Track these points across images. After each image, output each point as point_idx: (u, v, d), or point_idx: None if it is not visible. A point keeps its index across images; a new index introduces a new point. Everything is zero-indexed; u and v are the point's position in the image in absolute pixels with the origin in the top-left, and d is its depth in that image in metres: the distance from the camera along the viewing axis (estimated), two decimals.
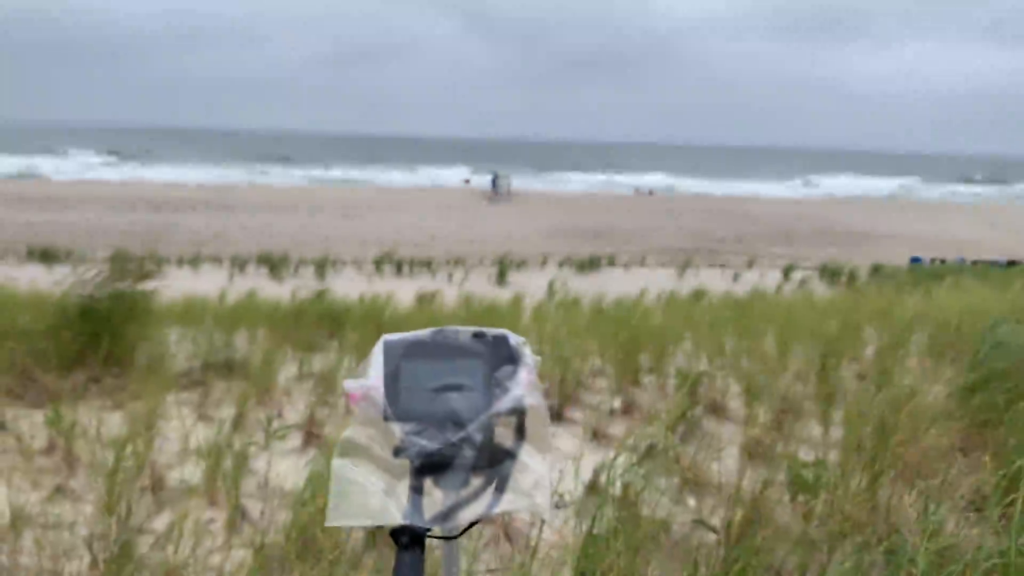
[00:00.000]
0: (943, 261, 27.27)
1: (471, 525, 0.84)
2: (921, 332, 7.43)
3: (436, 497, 0.80)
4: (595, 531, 2.89)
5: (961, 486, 3.33)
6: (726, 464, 3.93)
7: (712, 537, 3.01)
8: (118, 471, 3.72)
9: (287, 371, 6.47)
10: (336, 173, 79.42)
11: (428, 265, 22.82)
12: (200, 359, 6.63)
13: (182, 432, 4.71)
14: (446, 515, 0.79)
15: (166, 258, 20.55)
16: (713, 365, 6.29)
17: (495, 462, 0.79)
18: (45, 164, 72.71)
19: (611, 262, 25.33)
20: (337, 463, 0.76)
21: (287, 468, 4.22)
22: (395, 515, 0.73)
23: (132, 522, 3.37)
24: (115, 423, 4.89)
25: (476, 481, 0.80)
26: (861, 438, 3.67)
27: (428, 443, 0.74)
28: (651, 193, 64.10)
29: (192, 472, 4.05)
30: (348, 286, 17.52)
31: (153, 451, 4.26)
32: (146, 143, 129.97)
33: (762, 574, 2.36)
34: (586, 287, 16.56)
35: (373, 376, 0.79)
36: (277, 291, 16.42)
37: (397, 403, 0.76)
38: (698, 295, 15.81)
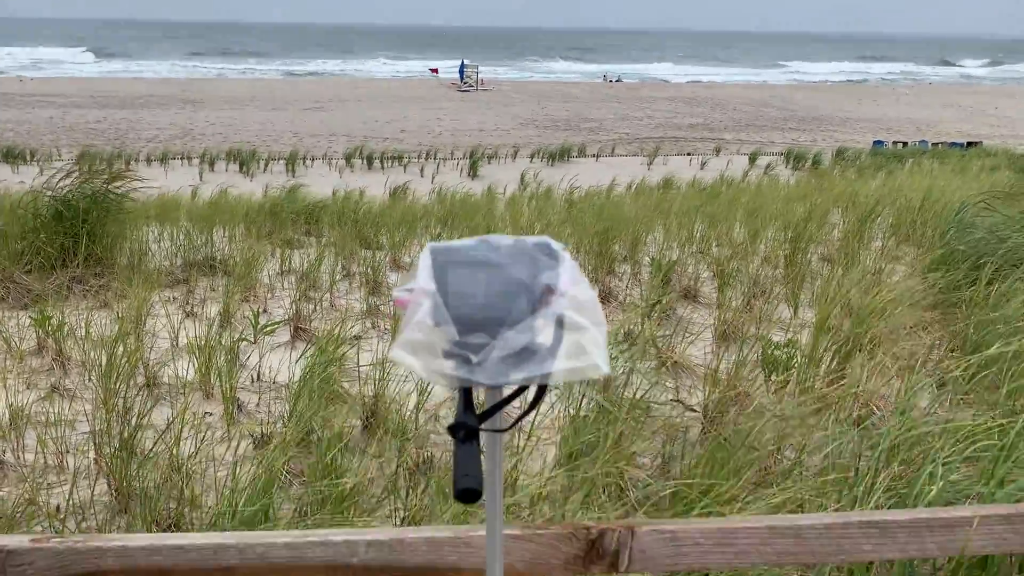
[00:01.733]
0: (904, 144, 27.42)
1: (517, 420, 0.93)
2: (884, 216, 7.60)
3: (482, 397, 0.88)
4: (580, 414, 3.04)
5: (928, 364, 3.52)
6: (701, 347, 4.10)
7: (690, 415, 3.17)
8: (112, 369, 3.81)
9: (269, 268, 6.50)
10: (304, 66, 77.05)
11: (399, 159, 22.52)
12: (181, 257, 6.64)
13: (171, 330, 4.78)
14: (490, 412, 0.87)
15: (134, 156, 20.10)
16: (684, 253, 6.42)
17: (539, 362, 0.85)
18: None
19: (581, 153, 25.16)
20: (393, 355, 0.83)
21: (278, 362, 4.34)
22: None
23: (131, 418, 3.48)
24: (102, 322, 4.94)
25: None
26: (829, 319, 3.84)
27: (479, 373, 0.81)
28: (619, 80, 63.04)
29: (185, 368, 4.15)
30: (320, 181, 17.32)
31: (144, 349, 4.34)
32: (113, 36, 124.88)
33: (739, 448, 2.53)
34: (557, 178, 16.51)
35: (421, 283, 0.84)
36: (249, 187, 16.21)
37: (446, 308, 0.82)
38: (667, 183, 15.85)
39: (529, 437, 2.90)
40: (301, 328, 4.92)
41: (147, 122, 30.46)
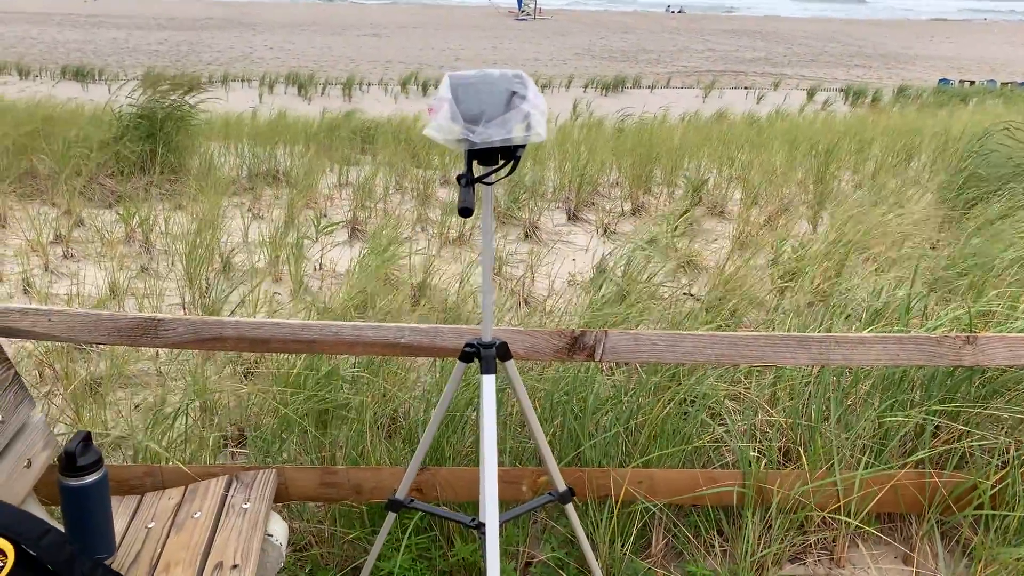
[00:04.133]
0: (972, 83, 26.64)
1: (496, 180, 1.39)
2: (928, 148, 7.77)
3: (478, 167, 1.34)
4: (599, 295, 3.48)
5: (923, 271, 3.86)
6: (719, 254, 4.48)
7: (697, 304, 3.59)
8: (193, 254, 4.36)
9: (327, 181, 7.01)
10: None
11: None
12: (246, 169, 7.18)
13: (241, 229, 5.32)
14: (483, 176, 1.33)
15: (196, 78, 20.70)
16: (721, 176, 6.73)
17: (510, 153, 1.33)
18: None
19: (636, 84, 25.08)
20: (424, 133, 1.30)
21: (337, 255, 4.85)
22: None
23: (211, 294, 4.03)
24: (179, 220, 5.51)
25: (500, 160, 1.35)
26: (840, 231, 4.18)
27: (475, 136, 1.28)
28: (681, 11, 61.53)
29: (255, 258, 4.68)
30: (375, 106, 17.74)
31: (219, 242, 4.88)
32: None
33: (730, 325, 2.94)
34: (610, 108, 16.66)
35: (442, 95, 1.30)
36: (306, 110, 16.70)
37: (457, 112, 1.28)
38: (720, 116, 15.89)
39: (548, 313, 3.35)
40: (358, 229, 5.42)
41: (207, 44, 31.04)
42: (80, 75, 20.53)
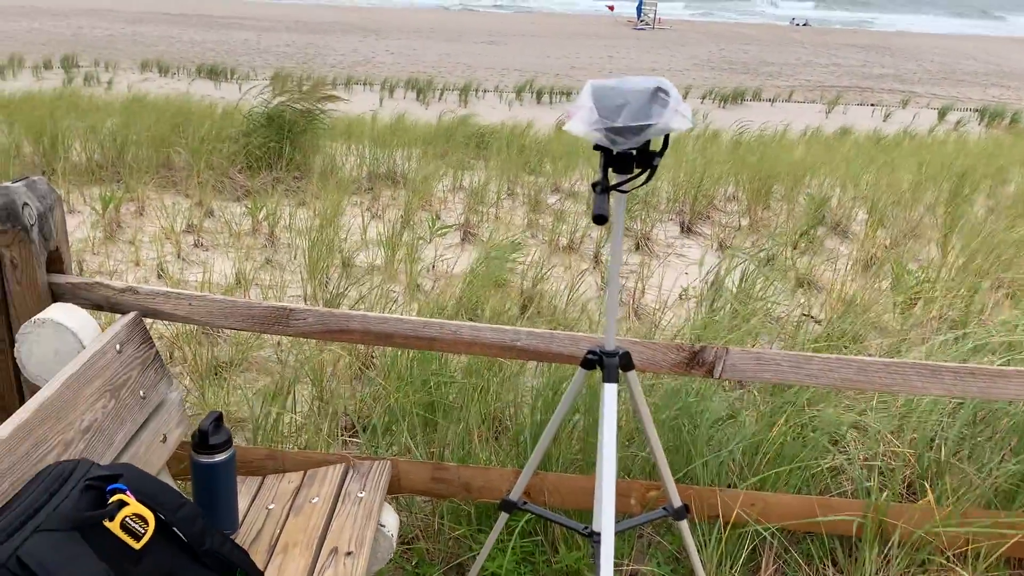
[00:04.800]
0: None
1: (631, 189, 1.38)
2: None
3: (613, 175, 1.34)
4: (712, 310, 3.42)
5: None
6: (840, 275, 4.32)
7: (814, 326, 3.47)
8: (315, 249, 4.53)
9: (442, 184, 7.14)
10: None
11: (567, 94, 22.84)
12: (366, 170, 7.40)
13: (361, 227, 5.49)
14: (619, 184, 1.33)
15: (321, 80, 21.50)
16: (845, 195, 6.50)
17: (648, 160, 1.32)
18: None
19: (756, 96, 24.50)
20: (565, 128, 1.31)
21: (451, 258, 4.93)
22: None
23: (331, 288, 4.17)
24: (302, 216, 5.73)
25: (637, 171, 1.33)
26: (972, 257, 3.96)
27: (612, 145, 1.27)
28: (806, 24, 59.73)
29: (373, 256, 4.82)
30: (490, 113, 17.99)
31: (339, 239, 5.04)
32: None
33: (849, 349, 2.83)
34: (728, 120, 16.34)
35: (582, 101, 1.30)
36: (424, 114, 17.09)
37: (596, 118, 1.28)
38: (844, 132, 15.34)
39: (657, 327, 3.30)
40: (470, 232, 5.50)
41: (332, 48, 32.17)
42: (213, 74, 21.65)
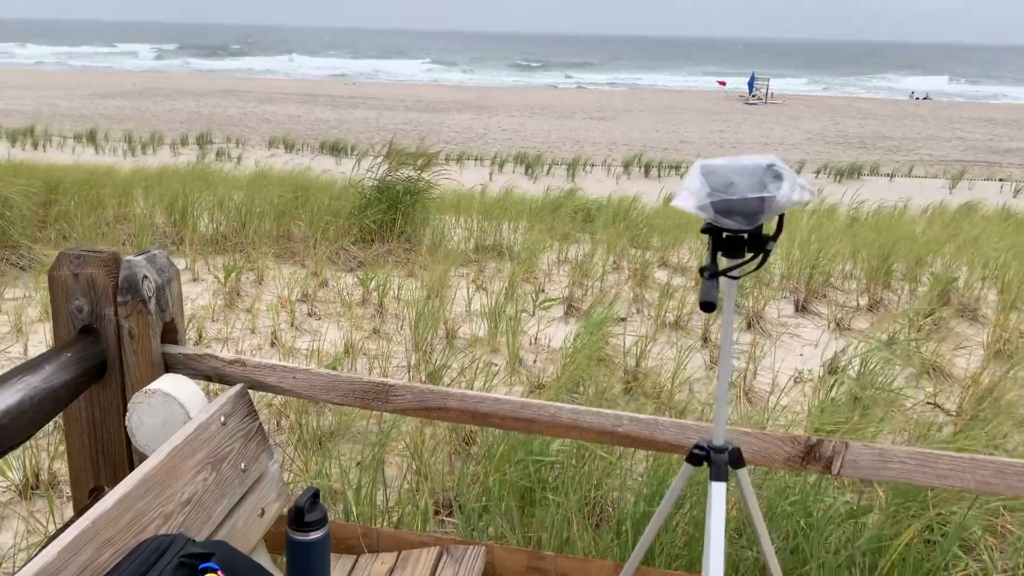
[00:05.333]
0: None
1: (743, 275, 1.31)
2: None
3: (723, 259, 1.28)
4: (832, 398, 3.23)
5: None
6: (968, 360, 4.03)
7: (943, 417, 3.23)
8: (421, 321, 4.59)
9: (547, 257, 7.17)
10: (595, 76, 79.65)
11: (676, 168, 22.79)
12: (473, 241, 7.52)
13: (465, 298, 5.54)
14: (729, 269, 1.27)
15: (435, 154, 22.25)
16: (972, 275, 6.13)
17: (761, 244, 1.26)
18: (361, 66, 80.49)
19: (874, 171, 23.76)
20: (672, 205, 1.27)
21: (552, 331, 4.90)
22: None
23: (435, 359, 4.19)
24: (410, 287, 5.84)
25: (748, 254, 1.27)
26: None
27: (721, 227, 1.22)
28: (927, 98, 57.97)
29: (476, 328, 4.84)
30: (597, 186, 18.11)
31: (445, 310, 5.10)
32: (453, 48, 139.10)
33: (988, 448, 2.60)
34: (844, 195, 15.87)
35: (690, 181, 1.26)
36: (531, 188, 17.37)
37: (707, 191, 1.24)
38: (969, 208, 14.62)
39: (771, 412, 3.14)
40: (574, 307, 5.46)
41: (446, 124, 33.34)
42: (335, 150, 22.73)
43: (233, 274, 5.53)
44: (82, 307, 1.80)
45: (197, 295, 5.43)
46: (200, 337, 4.54)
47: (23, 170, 8.94)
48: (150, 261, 1.82)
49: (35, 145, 22.01)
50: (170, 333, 1.90)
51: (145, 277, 1.78)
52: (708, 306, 1.23)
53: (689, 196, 1.25)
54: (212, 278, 5.75)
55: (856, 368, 3.53)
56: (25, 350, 4.26)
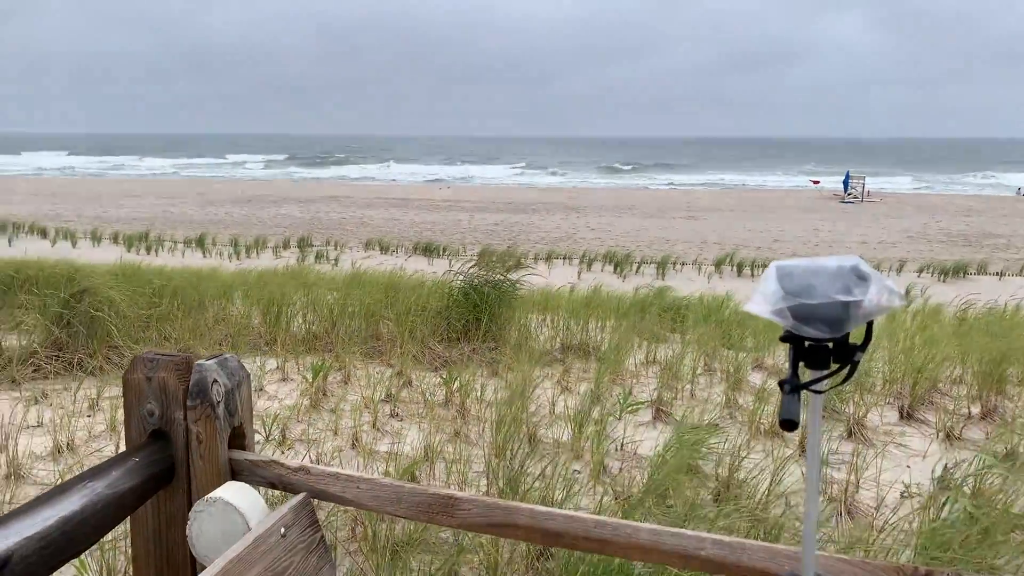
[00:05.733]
0: None
1: (828, 389, 1.18)
2: None
3: (806, 370, 1.16)
4: (945, 518, 2.95)
5: None
6: None
7: None
8: (502, 425, 4.49)
9: (635, 357, 7.01)
10: (685, 177, 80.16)
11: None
12: (559, 341, 7.44)
13: (549, 400, 5.43)
14: (812, 382, 1.15)
15: (523, 255, 22.55)
16: None
17: (848, 354, 1.13)
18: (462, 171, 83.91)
19: (981, 270, 22.73)
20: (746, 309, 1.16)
21: (640, 437, 4.71)
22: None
23: (515, 464, 4.07)
24: (493, 387, 5.77)
25: (834, 366, 1.15)
26: None
27: (802, 335, 1.11)
28: None
29: (560, 432, 4.70)
30: (687, 285, 17.87)
31: (528, 412, 4.99)
32: (547, 152, 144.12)
33: None
34: (950, 295, 15.16)
35: (764, 284, 1.17)
36: (620, 287, 17.28)
37: (782, 295, 1.14)
38: None
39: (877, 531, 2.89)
40: (662, 411, 5.27)
41: (536, 225, 33.87)
42: (427, 251, 23.33)
43: (320, 374, 5.59)
44: (153, 411, 1.79)
45: (285, 395, 5.50)
46: (284, 438, 4.56)
47: (131, 273, 9.44)
48: (221, 365, 1.81)
49: (148, 250, 23.38)
50: (238, 438, 1.87)
51: (215, 381, 1.77)
52: (789, 424, 1.11)
53: (763, 300, 1.15)
54: (301, 378, 5.82)
55: (971, 485, 3.23)
56: (116, 448, 4.35)
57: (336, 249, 24.22)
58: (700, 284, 19.13)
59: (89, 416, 4.84)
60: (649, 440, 4.68)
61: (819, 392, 1.21)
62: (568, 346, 7.28)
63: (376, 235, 27.85)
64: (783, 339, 1.19)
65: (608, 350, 7.04)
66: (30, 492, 3.69)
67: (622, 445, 4.57)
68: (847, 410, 5.08)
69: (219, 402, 1.78)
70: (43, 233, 26.56)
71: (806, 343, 1.18)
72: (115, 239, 25.09)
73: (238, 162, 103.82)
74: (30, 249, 21.32)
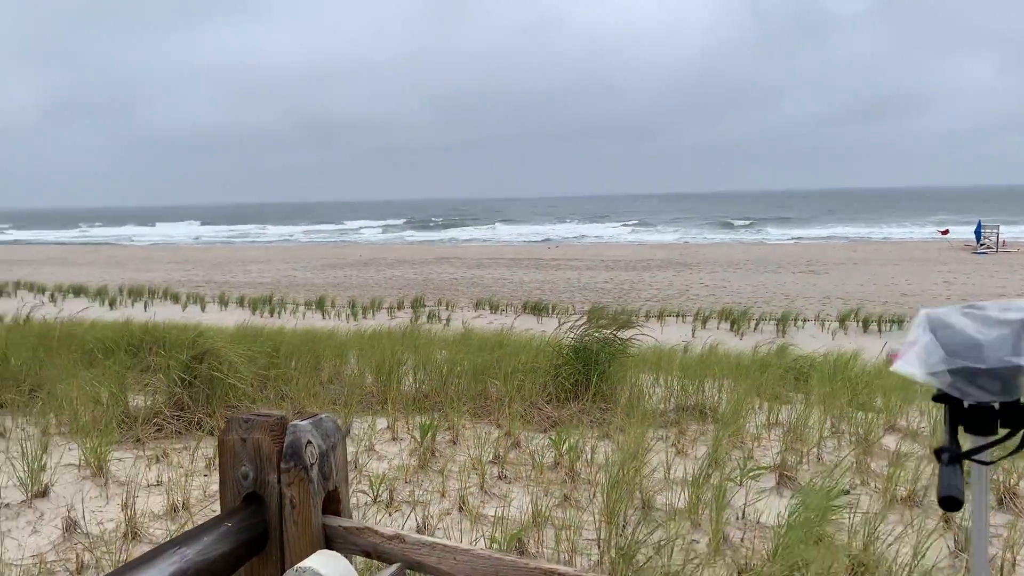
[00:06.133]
0: None
1: (996, 459, 0.98)
2: None
3: (967, 435, 0.97)
4: None
5: None
6: None
7: None
8: (613, 489, 4.28)
9: (756, 419, 6.65)
10: (804, 230, 77.89)
11: (899, 323, 21.15)
12: (673, 401, 7.16)
13: (663, 463, 5.17)
14: (976, 451, 0.95)
15: (634, 312, 22.19)
16: None
17: (1020, 418, 0.93)
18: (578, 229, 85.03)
19: None
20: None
21: (763, 505, 4.40)
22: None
23: (628, 532, 3.85)
24: (603, 449, 5.56)
25: (1001, 431, 0.94)
26: None
27: (962, 396, 0.92)
28: None
29: (676, 498, 4.45)
30: (809, 342, 17.08)
31: (641, 476, 4.76)
32: (642, 209, 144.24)
33: None
34: None
35: (917, 336, 0.98)
36: (737, 344, 16.70)
37: (940, 357, 0.95)
38: None
39: None
40: (787, 476, 4.93)
41: (647, 282, 33.42)
42: (536, 309, 23.30)
43: (428, 433, 5.54)
44: (247, 473, 1.74)
45: (394, 455, 5.46)
46: (392, 500, 4.50)
47: (252, 334, 9.77)
48: (315, 425, 1.74)
49: (271, 312, 24.36)
50: (333, 503, 1.79)
51: (309, 442, 1.70)
52: (952, 503, 0.92)
53: (915, 360, 0.97)
54: (410, 437, 5.79)
55: None
56: None
57: (447, 309, 24.56)
58: (823, 341, 18.26)
59: (205, 475, 4.93)
60: (773, 508, 4.36)
61: (985, 463, 1.00)
62: (683, 407, 6.99)
63: (486, 294, 28.13)
64: (936, 399, 1.00)
65: (726, 411, 6.71)
66: (144, 552, 3.74)
67: (743, 513, 4.27)
68: (997, 476, 4.61)
69: (313, 464, 1.70)
70: (175, 298, 28.14)
71: (965, 403, 0.99)
72: (241, 302, 26.29)
73: (356, 227, 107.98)
74: (163, 313, 22.59)
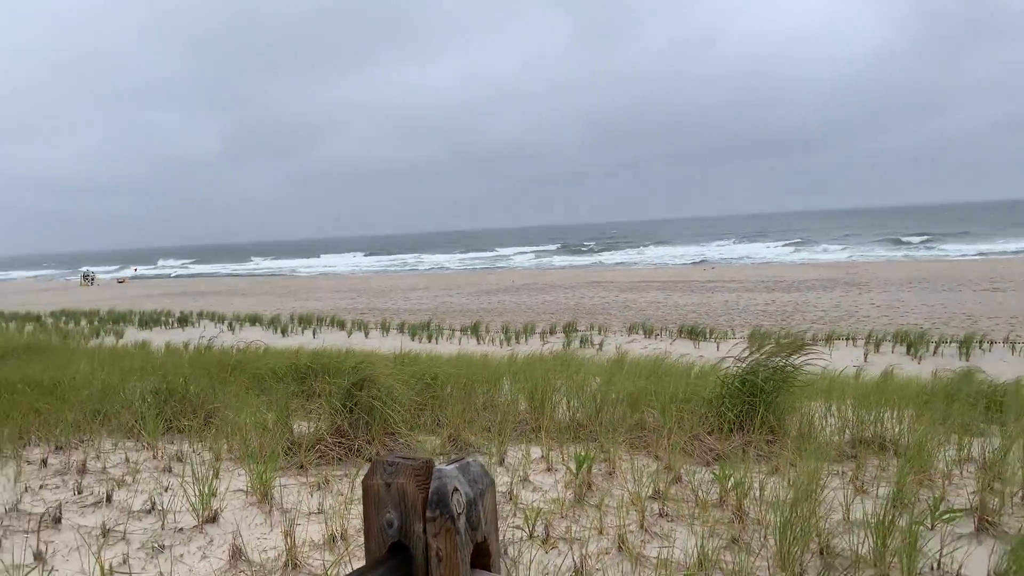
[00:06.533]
0: None
1: None
2: None
3: None
4: None
5: None
6: None
7: None
8: (787, 531, 3.92)
9: (945, 453, 6.01)
10: (988, 245, 72.09)
11: None
12: (848, 433, 6.61)
13: (841, 502, 4.73)
14: None
15: (799, 336, 21.07)
16: None
17: None
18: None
19: None
20: None
21: (961, 554, 3.90)
22: None
23: None
24: (772, 485, 5.16)
25: None
26: None
27: None
28: None
29: (857, 542, 4.02)
30: (999, 366, 15.57)
31: (816, 516, 4.36)
32: (804, 227, 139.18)
33: None
34: None
35: None
36: (916, 369, 15.47)
37: None
38: None
39: None
40: (987, 520, 4.37)
41: (811, 304, 31.77)
42: (693, 334, 22.59)
43: (584, 466, 5.35)
44: (392, 521, 1.62)
45: (549, 487, 5.31)
46: (548, 535, 4.33)
47: (411, 360, 9.94)
48: (462, 471, 1.61)
49: (429, 338, 24.99)
50: (482, 556, 1.65)
51: (455, 490, 1.57)
52: None
53: None
54: (565, 468, 5.62)
55: None
56: None
57: (600, 333, 24.29)
58: (1015, 365, 16.60)
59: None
60: (974, 558, 3.85)
61: None
62: (859, 439, 6.43)
63: (639, 318, 27.64)
64: None
65: (910, 444, 6.11)
66: None
67: (939, 563, 3.80)
68: None
69: (460, 514, 1.57)
70: (341, 325, 29.45)
71: None
72: (401, 328, 27.16)
73: (509, 254, 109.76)
74: (330, 339, 23.67)
